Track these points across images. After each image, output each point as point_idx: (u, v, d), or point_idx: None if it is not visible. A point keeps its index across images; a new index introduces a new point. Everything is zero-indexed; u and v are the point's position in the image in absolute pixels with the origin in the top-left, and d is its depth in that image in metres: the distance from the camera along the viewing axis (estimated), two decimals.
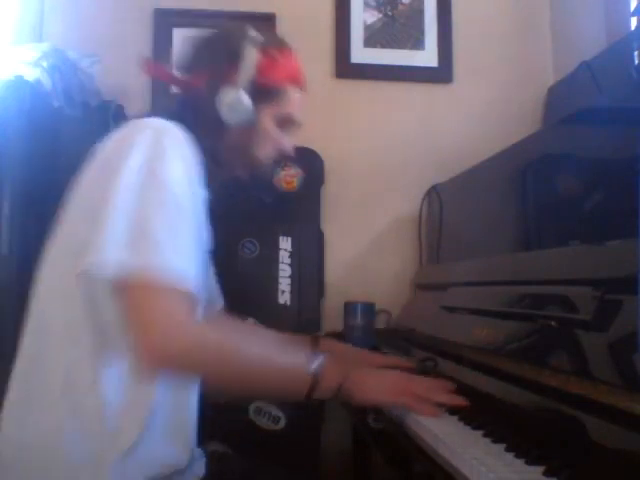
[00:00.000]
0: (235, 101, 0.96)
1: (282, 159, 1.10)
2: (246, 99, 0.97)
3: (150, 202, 0.79)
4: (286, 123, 1.05)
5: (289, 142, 1.08)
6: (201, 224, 0.93)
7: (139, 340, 0.78)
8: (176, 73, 1.04)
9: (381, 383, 0.96)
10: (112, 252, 0.76)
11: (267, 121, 1.02)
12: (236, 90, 0.96)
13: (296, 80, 1.05)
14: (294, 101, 1.05)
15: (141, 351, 0.78)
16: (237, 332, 0.88)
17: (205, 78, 0.99)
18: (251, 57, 0.98)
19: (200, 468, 0.98)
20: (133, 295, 0.78)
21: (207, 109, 0.97)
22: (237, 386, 0.89)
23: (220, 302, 1.20)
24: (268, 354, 0.89)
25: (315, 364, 0.89)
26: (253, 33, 1.00)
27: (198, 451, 0.99)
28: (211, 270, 1.14)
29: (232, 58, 0.98)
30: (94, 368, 0.83)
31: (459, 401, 0.93)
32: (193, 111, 0.98)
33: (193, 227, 0.85)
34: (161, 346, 0.78)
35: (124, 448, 0.82)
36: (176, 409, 0.90)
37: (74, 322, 0.84)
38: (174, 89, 1.10)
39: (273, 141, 1.04)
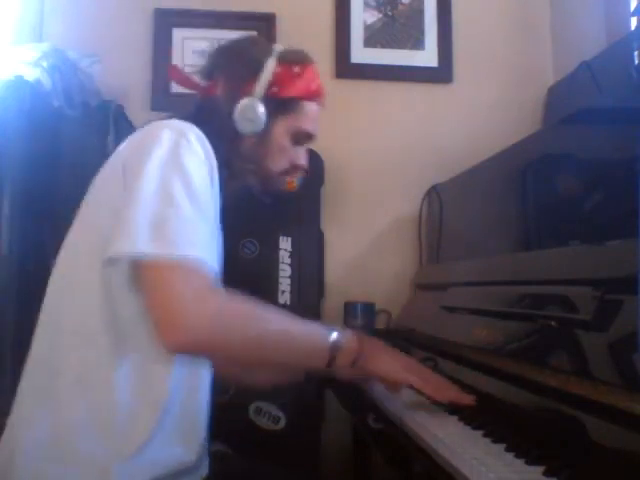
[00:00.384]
0: (250, 111, 0.98)
1: (295, 173, 1.10)
2: (261, 109, 0.98)
3: (173, 193, 0.80)
4: (301, 137, 1.06)
5: (303, 156, 1.08)
6: (216, 223, 0.95)
7: (162, 317, 0.78)
8: (196, 79, 1.06)
9: (396, 360, 0.99)
10: (136, 238, 0.77)
11: (281, 133, 1.03)
12: (252, 100, 0.98)
13: (313, 94, 1.05)
14: (310, 115, 1.05)
15: (165, 327, 0.78)
16: (256, 303, 0.88)
17: (223, 86, 1.01)
18: (270, 69, 0.99)
19: (205, 467, 0.98)
20: (154, 275, 0.79)
21: (223, 116, 0.98)
22: (259, 354, 0.88)
23: None
24: (289, 322, 0.90)
25: (335, 333, 0.92)
26: (278, 47, 1.02)
27: (206, 449, 0.99)
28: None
29: (252, 68, 1.00)
30: (108, 367, 0.83)
31: (468, 400, 0.93)
32: (209, 117, 0.99)
33: (212, 222, 0.87)
34: (184, 318, 0.77)
35: (136, 447, 0.82)
36: (187, 408, 0.90)
37: (89, 321, 0.84)
38: (181, 88, 1.11)
39: (286, 154, 1.05)
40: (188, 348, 0.82)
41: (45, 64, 1.54)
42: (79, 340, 0.84)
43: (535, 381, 0.83)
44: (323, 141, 1.90)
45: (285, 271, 1.78)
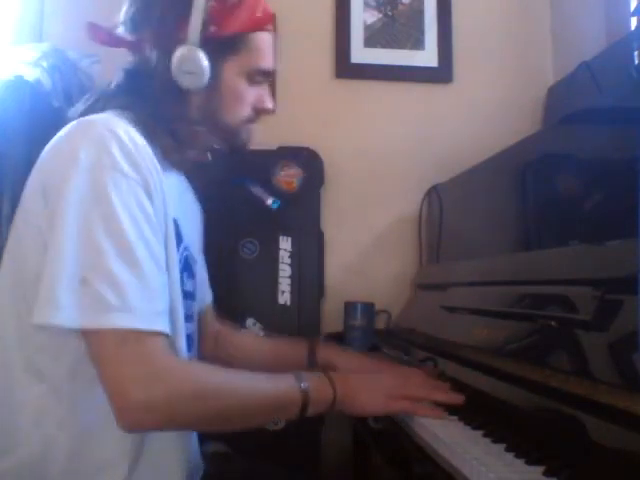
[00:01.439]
0: (190, 62, 0.83)
1: (261, 116, 0.95)
2: (201, 58, 0.83)
3: (97, 242, 0.71)
4: (256, 75, 0.91)
5: (265, 96, 0.93)
6: (168, 228, 0.84)
7: (113, 399, 0.71)
8: (123, 34, 0.90)
9: (374, 392, 0.90)
10: (59, 305, 0.68)
11: (233, 78, 0.88)
12: (189, 48, 0.83)
13: (260, 23, 0.88)
14: (262, 48, 0.90)
15: (117, 410, 0.71)
16: (216, 367, 0.81)
17: (152, 37, 0.86)
18: (201, 5, 0.83)
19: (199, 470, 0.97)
20: (95, 348, 0.71)
21: (159, 75, 0.84)
22: (223, 425, 0.81)
23: (209, 297, 1.14)
24: (251, 386, 0.81)
25: (303, 381, 0.83)
26: None
27: (197, 460, 0.96)
28: (201, 264, 1.08)
29: (180, 10, 0.83)
30: (66, 401, 0.77)
31: (456, 399, 0.91)
32: (143, 80, 0.86)
33: (155, 250, 0.76)
34: (134, 404, 0.70)
35: (122, 473, 0.78)
36: (172, 439, 0.84)
37: (32, 358, 0.77)
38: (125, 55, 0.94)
39: (244, 99, 0.90)
40: (146, 429, 0.77)
41: (45, 64, 1.54)
42: (27, 377, 0.77)
43: (535, 381, 0.83)
44: (323, 141, 1.92)
45: (285, 271, 1.78)
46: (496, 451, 0.74)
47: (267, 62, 0.91)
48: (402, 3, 2.02)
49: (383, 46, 2.00)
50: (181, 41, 0.83)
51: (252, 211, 1.79)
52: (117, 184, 0.73)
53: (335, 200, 1.92)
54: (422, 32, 2.00)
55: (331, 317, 1.82)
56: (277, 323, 1.74)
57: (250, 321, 1.74)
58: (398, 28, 2.01)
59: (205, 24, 0.83)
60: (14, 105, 1.40)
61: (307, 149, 1.86)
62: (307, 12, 1.99)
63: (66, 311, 0.69)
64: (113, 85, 0.90)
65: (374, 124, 1.99)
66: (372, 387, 0.91)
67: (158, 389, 0.71)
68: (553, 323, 0.88)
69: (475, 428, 0.84)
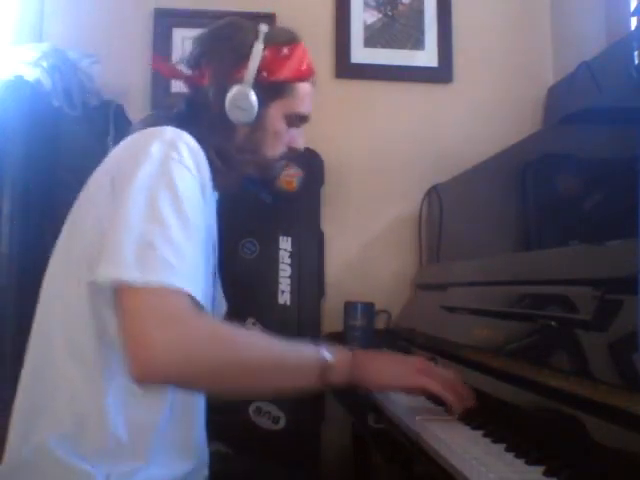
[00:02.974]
0: (242, 99, 0.95)
1: (293, 157, 1.08)
2: (253, 97, 0.95)
3: (161, 214, 0.76)
4: (295, 119, 1.03)
5: (300, 139, 1.06)
6: (211, 234, 0.92)
7: (129, 346, 0.72)
8: (183, 69, 1.02)
9: (400, 364, 0.91)
10: (120, 263, 0.73)
11: (275, 118, 1.00)
12: (243, 87, 0.95)
13: (304, 75, 1.01)
14: (303, 97, 1.02)
15: (131, 357, 0.72)
16: (238, 329, 0.83)
17: (212, 75, 0.97)
18: (258, 53, 0.96)
19: (205, 470, 0.97)
20: (128, 302, 0.74)
21: (214, 107, 0.96)
22: (239, 382, 0.81)
23: (224, 306, 1.17)
24: (272, 345, 0.83)
25: (324, 349, 0.84)
26: (263, 28, 0.99)
27: (204, 457, 0.97)
28: (217, 275, 1.12)
29: (239, 54, 0.97)
30: (99, 385, 0.80)
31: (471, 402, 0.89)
32: (200, 110, 0.96)
33: (202, 240, 0.82)
34: (148, 348, 0.71)
35: (131, 466, 0.80)
36: (183, 425, 0.88)
37: (77, 339, 0.82)
38: (181, 87, 1.06)
39: (282, 138, 1.02)
40: (154, 380, 0.76)
41: (45, 64, 1.54)
42: (70, 357, 0.81)
43: (535, 381, 0.83)
44: (323, 141, 1.92)
45: (285, 271, 1.78)
46: (496, 451, 0.74)
47: (306, 108, 1.03)
48: (402, 3, 2.02)
49: (383, 46, 2.00)
50: (236, 81, 0.95)
51: (252, 211, 1.79)
52: (182, 174, 0.81)
53: (335, 200, 1.92)
54: (422, 32, 2.00)
55: (331, 317, 1.82)
56: (277, 323, 1.74)
57: (250, 321, 1.74)
58: (398, 28, 2.01)
59: (259, 70, 0.96)
60: (14, 105, 1.40)
61: (307, 149, 1.85)
62: (307, 12, 1.99)
63: (131, 268, 0.73)
64: (174, 110, 1.00)
65: (374, 124, 1.99)
66: (397, 360, 0.93)
67: (174, 334, 0.73)
68: (553, 323, 0.88)
69: (475, 428, 0.84)
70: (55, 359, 0.82)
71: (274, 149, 1.02)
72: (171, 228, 0.76)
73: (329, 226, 1.90)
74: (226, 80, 0.96)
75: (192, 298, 0.75)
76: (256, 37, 0.97)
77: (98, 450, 0.80)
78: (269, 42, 0.98)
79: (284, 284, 1.78)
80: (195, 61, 1.00)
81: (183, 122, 0.91)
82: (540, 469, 0.66)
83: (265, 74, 0.97)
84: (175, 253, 0.75)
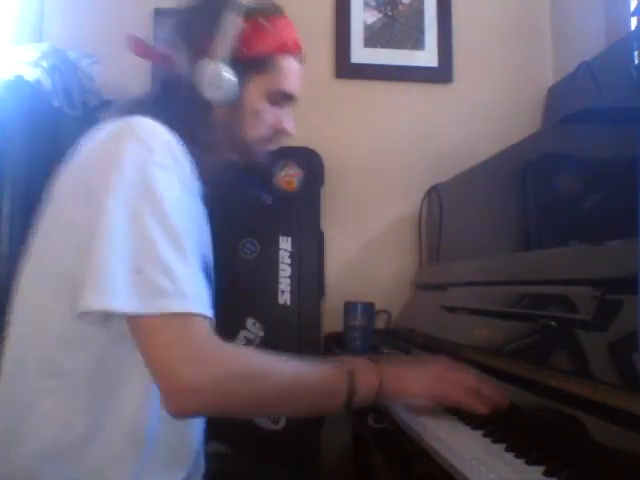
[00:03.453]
0: (217, 76, 0.87)
1: (280, 138, 0.98)
2: (227, 73, 0.88)
3: (147, 232, 0.72)
4: (279, 98, 0.95)
5: (286, 119, 0.97)
6: (201, 230, 0.88)
7: (164, 382, 0.71)
8: (161, 49, 0.95)
9: (423, 374, 0.87)
10: (113, 292, 0.69)
11: (256, 97, 0.92)
12: (218, 64, 0.87)
13: (287, 48, 0.94)
14: (287, 72, 0.94)
15: (168, 393, 0.71)
16: (260, 355, 0.80)
17: (185, 52, 0.90)
18: (234, 25, 0.88)
19: (200, 470, 0.97)
20: (145, 334, 0.72)
21: (186, 86, 0.88)
22: (269, 410, 0.82)
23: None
24: (298, 370, 0.80)
25: (347, 370, 0.81)
26: (241, 1, 0.90)
27: (199, 461, 0.96)
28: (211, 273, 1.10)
29: (214, 28, 0.88)
30: (78, 398, 0.77)
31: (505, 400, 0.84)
32: (175, 91, 0.89)
33: (193, 246, 0.78)
34: (187, 385, 0.70)
35: (125, 478, 0.78)
36: (175, 433, 0.84)
37: (49, 353, 0.78)
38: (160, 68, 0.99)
39: (264, 119, 0.94)
40: (193, 413, 0.77)
41: (45, 64, 1.54)
42: (46, 373, 0.77)
43: (535, 381, 0.83)
44: (323, 141, 1.92)
45: (285, 271, 1.78)
46: (496, 451, 0.74)
47: (290, 85, 0.95)
48: (402, 3, 2.02)
49: (383, 46, 2.00)
50: (210, 57, 0.88)
51: (252, 211, 1.79)
52: (161, 178, 0.75)
53: (335, 200, 1.92)
54: (422, 32, 2.00)
55: (331, 317, 1.82)
56: (277, 323, 1.74)
57: (250, 321, 1.74)
58: (398, 28, 2.01)
59: (234, 43, 0.88)
60: (14, 105, 1.40)
61: (307, 149, 1.86)
62: (307, 12, 1.99)
63: (122, 298, 0.69)
64: (145, 93, 0.94)
65: (374, 124, 1.99)
66: (418, 369, 0.88)
67: (207, 370, 0.72)
68: (553, 323, 0.88)
69: (475, 428, 0.84)
70: (29, 375, 0.78)
71: (254, 130, 0.94)
72: (161, 249, 0.71)
73: (329, 226, 1.90)
74: (199, 56, 0.88)
75: (203, 317, 0.73)
76: (233, 10, 0.89)
77: (84, 466, 0.77)
78: (248, 14, 0.90)
79: (284, 284, 1.78)
80: (170, 39, 0.94)
81: (158, 105, 0.86)
82: (540, 469, 0.66)
83: (243, 48, 0.89)
84: (172, 275, 0.71)
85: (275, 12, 0.94)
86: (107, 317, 0.73)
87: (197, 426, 0.90)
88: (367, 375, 0.82)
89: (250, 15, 0.90)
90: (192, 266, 0.75)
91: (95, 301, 0.70)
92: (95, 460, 0.77)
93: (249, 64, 0.90)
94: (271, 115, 0.95)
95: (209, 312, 0.75)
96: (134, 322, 0.72)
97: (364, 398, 0.81)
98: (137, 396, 0.79)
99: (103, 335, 0.76)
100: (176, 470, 0.85)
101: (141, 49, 0.98)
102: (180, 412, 0.74)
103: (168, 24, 0.96)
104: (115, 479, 0.78)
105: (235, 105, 0.91)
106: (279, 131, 0.97)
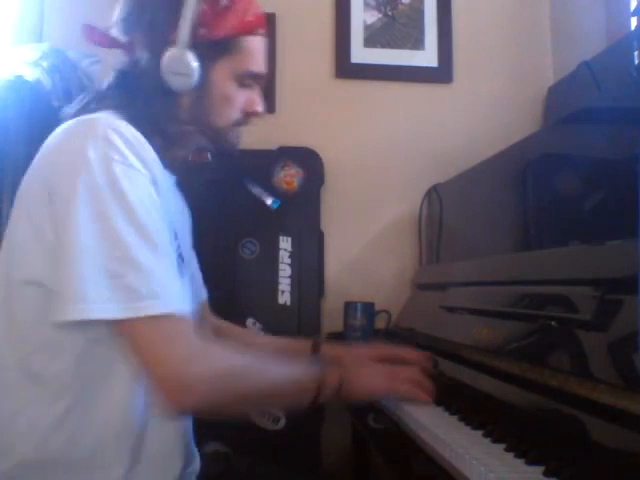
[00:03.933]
0: (178, 63, 0.83)
1: (251, 120, 0.95)
2: (191, 59, 0.84)
3: (119, 235, 0.71)
4: (247, 79, 0.91)
5: (256, 99, 0.93)
6: (177, 223, 0.88)
7: (160, 382, 0.73)
8: (117, 36, 0.90)
9: (373, 374, 0.96)
10: (93, 300, 0.69)
11: (222, 80, 0.88)
12: (178, 50, 0.83)
13: (251, 27, 0.90)
14: (252, 52, 0.90)
15: (165, 393, 0.73)
16: (244, 350, 0.85)
17: (143, 39, 0.86)
18: (192, 8, 0.83)
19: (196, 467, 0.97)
20: (133, 337, 0.73)
21: (149, 77, 0.85)
22: (253, 404, 0.88)
23: (204, 294, 1.12)
24: (276, 368, 0.86)
25: (316, 371, 0.88)
26: None
27: (194, 462, 0.96)
28: (194, 260, 1.08)
29: (171, 12, 0.83)
30: (63, 401, 0.77)
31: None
32: (134, 82, 0.86)
33: (166, 244, 0.77)
34: (183, 384, 0.73)
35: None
36: (166, 433, 0.84)
37: (27, 360, 0.77)
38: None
39: (234, 102, 0.90)
40: (190, 410, 0.79)
41: (45, 64, 1.54)
42: (26, 378, 0.77)
43: (535, 381, 0.83)
44: (323, 141, 1.92)
45: (285, 271, 1.78)
46: (496, 451, 0.74)
47: (258, 65, 0.91)
48: (402, 3, 2.02)
49: (383, 46, 2.00)
50: (171, 43, 0.84)
51: (252, 211, 1.79)
52: (128, 176, 0.74)
53: (335, 200, 1.92)
54: (422, 32, 2.00)
55: (331, 317, 1.82)
56: (277, 323, 1.74)
57: (250, 321, 1.74)
58: (398, 28, 2.01)
59: (196, 27, 0.84)
60: (14, 105, 1.40)
61: (307, 149, 1.86)
62: (307, 12, 1.99)
63: (99, 305, 0.69)
64: (105, 86, 0.90)
65: (374, 124, 1.99)
66: (369, 371, 0.98)
67: (199, 367, 0.74)
68: (553, 323, 0.88)
69: (475, 428, 0.84)
70: (10, 383, 0.78)
71: (225, 116, 0.90)
72: (135, 251, 0.71)
73: (329, 226, 1.90)
74: (158, 42, 0.84)
75: (183, 316, 0.75)
76: None
77: (69, 468, 0.77)
78: None
79: (284, 284, 1.78)
80: (124, 24, 0.89)
81: (117, 98, 0.84)
82: (540, 469, 0.66)
83: (204, 31, 0.85)
84: (149, 276, 0.71)
85: None
86: (84, 322, 0.72)
87: (186, 423, 0.91)
88: (330, 379, 0.88)
89: None
90: (166, 264, 0.75)
91: (73, 310, 0.69)
92: (85, 461, 0.77)
93: (213, 47, 0.86)
94: (241, 98, 0.91)
95: (187, 310, 0.76)
96: (117, 326, 0.73)
97: (326, 397, 0.88)
98: (122, 395, 0.79)
99: (80, 339, 0.76)
100: (167, 468, 0.85)
101: (98, 38, 0.94)
102: (178, 410, 0.76)
103: (121, 8, 0.90)
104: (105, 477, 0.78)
105: (202, 91, 0.87)
106: (250, 113, 0.93)
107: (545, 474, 0.65)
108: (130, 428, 0.80)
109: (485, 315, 1.12)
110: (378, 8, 2.01)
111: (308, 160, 1.85)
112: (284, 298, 1.77)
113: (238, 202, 1.78)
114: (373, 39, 2.00)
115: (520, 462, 0.69)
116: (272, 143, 1.82)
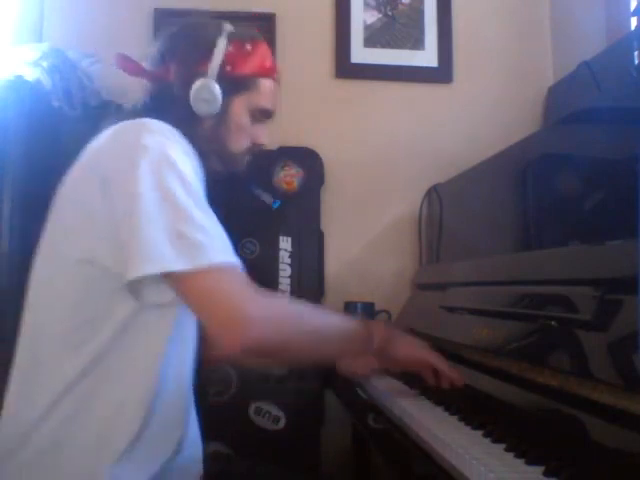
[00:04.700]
0: (206, 91, 0.97)
1: (256, 151, 1.09)
2: (216, 89, 0.97)
3: (178, 200, 0.81)
4: (259, 114, 1.04)
5: (263, 134, 1.07)
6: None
7: (226, 322, 0.80)
8: (149, 66, 1.04)
9: (412, 341, 1.08)
10: (161, 257, 0.77)
11: (239, 112, 1.02)
12: (207, 80, 0.97)
13: (268, 71, 1.04)
14: (266, 92, 1.04)
15: (232, 331, 0.80)
16: (289, 300, 0.94)
17: (176, 69, 1.00)
18: (221, 48, 0.99)
19: (197, 466, 0.97)
20: (198, 288, 0.80)
21: (179, 101, 0.98)
22: (311, 348, 0.92)
23: None
24: (327, 315, 0.97)
25: (365, 322, 0.99)
26: (227, 26, 1.02)
27: (197, 453, 0.98)
28: None
29: (203, 49, 0.99)
30: (92, 374, 0.83)
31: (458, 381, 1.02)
32: (165, 104, 0.98)
33: (213, 216, 0.87)
34: (249, 319, 0.80)
35: (124, 446, 0.82)
36: (172, 401, 0.90)
37: (75, 330, 0.84)
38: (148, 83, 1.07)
39: (246, 133, 1.04)
40: (250, 350, 0.83)
41: (45, 64, 1.54)
42: (62, 349, 0.84)
43: (535, 381, 0.83)
44: (323, 141, 1.92)
45: (285, 271, 1.78)
46: (496, 451, 0.74)
47: (270, 104, 1.05)
48: (402, 3, 2.02)
49: (383, 46, 2.00)
50: (200, 75, 0.98)
51: (252, 211, 1.79)
52: (180, 157, 0.85)
53: (335, 200, 1.92)
54: (422, 32, 2.00)
55: None
56: None
57: None
58: (398, 28, 2.01)
59: (222, 64, 0.99)
60: (14, 105, 1.40)
61: (307, 149, 1.86)
62: (307, 12, 1.99)
63: (170, 259, 0.77)
64: (139, 105, 1.02)
65: (374, 124, 1.99)
66: (410, 339, 1.09)
67: (260, 308, 0.83)
68: (553, 323, 0.88)
69: (475, 428, 0.84)
70: (48, 352, 0.85)
71: (238, 142, 1.04)
72: (192, 213, 0.81)
73: (329, 226, 1.90)
74: (191, 74, 0.98)
75: (239, 267, 0.83)
76: (220, 33, 1.01)
77: (91, 434, 0.82)
78: (233, 38, 1.01)
79: (284, 284, 1.78)
80: (160, 57, 1.02)
81: (150, 115, 0.93)
82: (540, 469, 0.66)
83: (229, 68, 0.99)
84: (206, 234, 0.81)
85: (258, 38, 1.04)
86: (137, 289, 0.82)
87: (186, 405, 0.94)
88: (379, 333, 1.00)
89: (235, 38, 1.01)
90: (218, 226, 0.86)
91: (146, 267, 0.77)
92: (95, 428, 0.82)
93: (234, 83, 1.00)
94: (251, 129, 1.05)
95: (241, 267, 0.85)
96: (184, 280, 0.80)
97: (374, 350, 0.99)
98: (149, 372, 0.85)
99: (123, 312, 0.84)
100: (164, 447, 0.89)
101: (132, 68, 1.08)
102: (239, 347, 0.81)
103: (160, 43, 1.04)
104: (114, 445, 0.82)
105: (221, 119, 1.00)
106: (257, 144, 1.07)
107: (545, 474, 0.65)
108: (149, 399, 0.85)
109: (485, 315, 1.12)
110: (378, 8, 2.01)
111: (308, 160, 1.85)
112: None
113: (238, 202, 1.78)
114: (373, 39, 2.00)
115: (520, 462, 0.69)
116: (272, 143, 1.81)
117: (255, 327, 0.81)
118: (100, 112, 1.67)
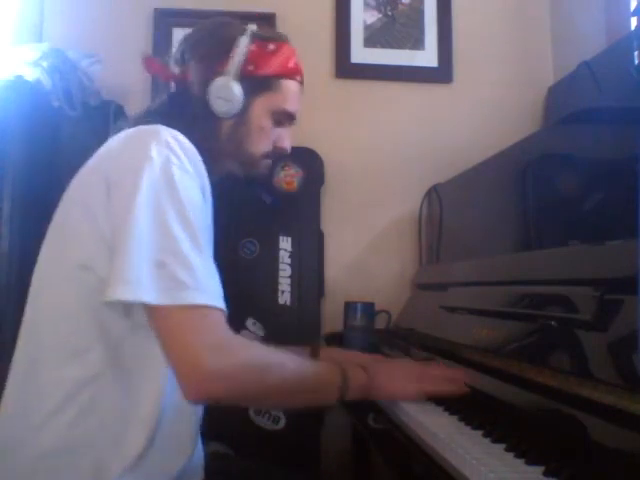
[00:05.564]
0: (224, 90, 0.94)
1: (278, 156, 1.05)
2: (237, 88, 0.95)
3: (170, 228, 0.77)
4: (281, 117, 1.02)
5: (285, 138, 1.04)
6: (209, 232, 0.92)
7: (182, 369, 0.76)
8: (172, 67, 1.02)
9: (402, 375, 0.99)
10: (138, 284, 0.74)
11: (260, 114, 0.99)
12: (226, 79, 0.95)
13: (291, 72, 1.01)
14: (290, 94, 1.01)
15: (184, 380, 0.76)
16: (267, 348, 0.87)
17: (196, 68, 0.97)
18: (243, 48, 0.96)
19: (199, 469, 0.97)
20: (165, 323, 0.77)
21: (197, 100, 0.95)
22: (275, 400, 0.89)
23: None
24: (301, 366, 0.89)
25: (340, 368, 0.91)
26: (250, 26, 1.00)
27: (198, 458, 0.97)
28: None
29: (224, 47, 0.97)
30: (95, 385, 0.81)
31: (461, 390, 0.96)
32: (183, 104, 0.96)
33: (209, 244, 0.84)
34: (202, 373, 0.76)
35: (128, 461, 0.80)
36: (181, 417, 0.88)
37: (78, 341, 0.82)
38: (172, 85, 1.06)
39: (267, 135, 1.01)
40: (214, 398, 0.80)
41: (45, 64, 1.54)
42: (65, 359, 0.81)
43: (535, 381, 0.83)
44: (323, 141, 1.92)
45: (285, 271, 1.78)
46: (496, 451, 0.74)
47: (292, 106, 1.02)
48: (402, 3, 2.02)
49: (383, 46, 2.00)
50: (220, 73, 0.95)
51: (252, 211, 1.79)
52: (182, 179, 0.81)
53: (335, 200, 1.92)
54: (422, 32, 2.00)
55: (331, 317, 1.82)
56: (277, 323, 1.74)
57: (250, 321, 1.74)
58: (398, 28, 2.01)
59: (244, 63, 0.96)
60: (14, 105, 1.40)
61: (307, 149, 1.86)
62: (307, 12, 1.99)
63: (145, 289, 0.74)
64: (158, 105, 1.00)
65: (374, 124, 1.99)
66: (400, 372, 1.00)
67: (228, 358, 0.78)
68: (553, 323, 0.88)
69: (475, 428, 0.84)
70: (45, 362, 0.82)
71: (258, 145, 1.00)
72: (182, 245, 0.77)
73: (329, 226, 1.90)
74: (210, 72, 0.96)
75: (220, 310, 0.79)
76: (242, 32, 0.98)
77: (93, 447, 0.79)
78: (256, 37, 0.98)
79: (284, 284, 1.78)
80: (181, 57, 1.00)
81: (170, 116, 0.91)
82: (540, 469, 0.66)
83: (251, 67, 0.96)
84: (192, 270, 0.76)
85: (282, 39, 1.02)
86: (128, 307, 0.79)
87: (197, 419, 0.92)
88: (356, 382, 0.92)
89: (258, 38, 0.98)
90: (207, 261, 0.81)
91: (122, 291, 0.74)
92: (102, 444, 0.80)
93: (256, 83, 0.97)
94: (273, 132, 1.01)
95: (224, 305, 0.80)
96: (156, 313, 0.76)
97: (353, 395, 0.91)
98: (154, 385, 0.82)
99: (122, 325, 0.81)
100: (174, 461, 0.87)
101: (156, 68, 1.05)
102: (201, 397, 0.79)
103: (183, 42, 1.02)
104: (118, 461, 0.80)
105: (241, 119, 0.97)
106: (278, 148, 1.03)
107: (545, 474, 0.65)
108: (155, 416, 0.82)
109: (485, 315, 1.12)
110: (378, 8, 2.01)
111: (308, 160, 1.85)
112: (284, 298, 1.77)
113: (238, 202, 1.78)
114: (373, 39, 2.00)
115: (520, 462, 0.69)
116: None
117: (212, 383, 0.76)
118: (100, 112, 1.67)
